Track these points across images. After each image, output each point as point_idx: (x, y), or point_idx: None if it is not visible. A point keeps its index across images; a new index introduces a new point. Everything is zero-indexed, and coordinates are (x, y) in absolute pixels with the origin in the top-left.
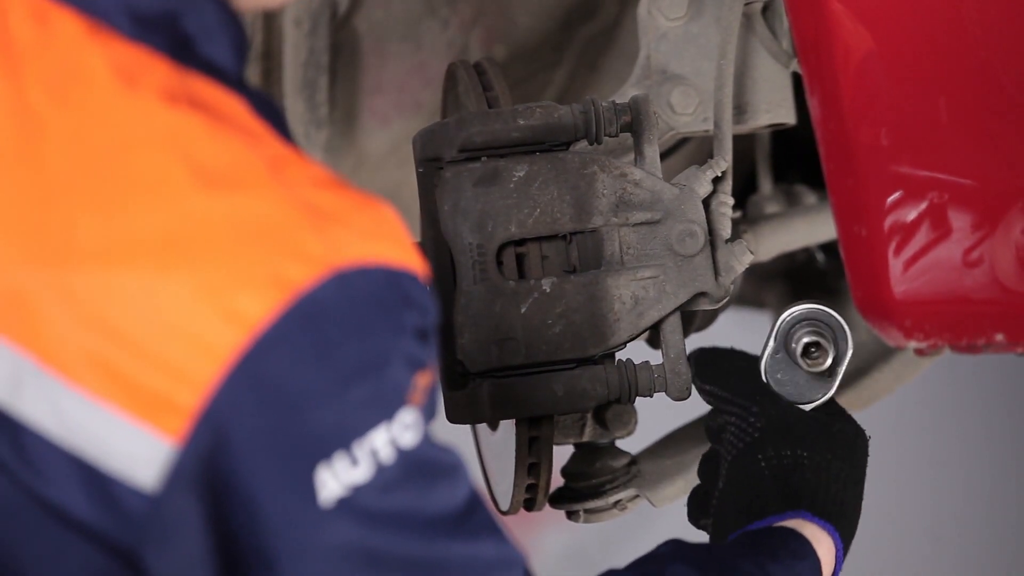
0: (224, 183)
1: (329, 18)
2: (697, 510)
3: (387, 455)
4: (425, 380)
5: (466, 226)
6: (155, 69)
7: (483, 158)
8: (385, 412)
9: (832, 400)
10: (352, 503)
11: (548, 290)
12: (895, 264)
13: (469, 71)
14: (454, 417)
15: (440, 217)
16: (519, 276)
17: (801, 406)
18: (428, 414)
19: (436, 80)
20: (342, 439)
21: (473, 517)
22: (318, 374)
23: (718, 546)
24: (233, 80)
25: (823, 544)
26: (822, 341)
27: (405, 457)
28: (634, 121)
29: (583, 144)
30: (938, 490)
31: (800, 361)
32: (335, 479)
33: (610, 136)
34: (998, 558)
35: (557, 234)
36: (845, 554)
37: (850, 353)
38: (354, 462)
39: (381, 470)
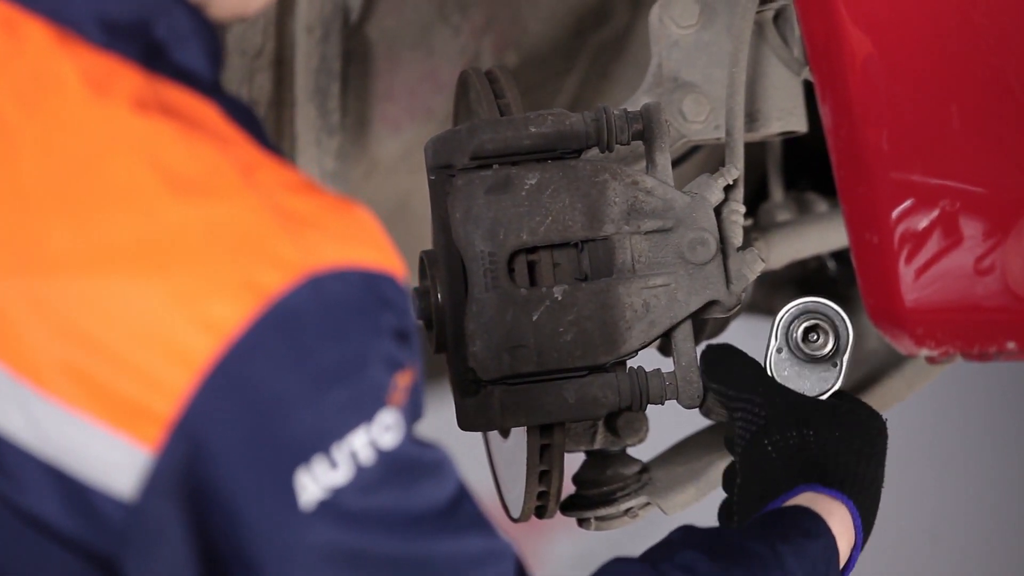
0: (196, 190)
1: (341, 25)
2: (727, 521)
3: (367, 456)
4: (406, 380)
5: (478, 233)
6: (126, 77)
7: (495, 165)
8: (364, 414)
9: (841, 390)
10: (333, 505)
11: (560, 298)
12: (907, 272)
13: (481, 78)
14: (465, 424)
15: (452, 224)
16: (531, 284)
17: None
18: (411, 413)
19: (448, 87)
20: (320, 442)
21: (459, 512)
22: (294, 379)
23: (729, 530)
24: (206, 86)
25: (836, 515)
26: (821, 323)
27: (385, 458)
28: (646, 129)
29: (594, 152)
30: (941, 492)
31: (803, 347)
32: (314, 482)
33: (622, 144)
34: (998, 559)
35: (569, 242)
36: (867, 525)
37: (851, 339)
38: (333, 465)
39: (361, 471)
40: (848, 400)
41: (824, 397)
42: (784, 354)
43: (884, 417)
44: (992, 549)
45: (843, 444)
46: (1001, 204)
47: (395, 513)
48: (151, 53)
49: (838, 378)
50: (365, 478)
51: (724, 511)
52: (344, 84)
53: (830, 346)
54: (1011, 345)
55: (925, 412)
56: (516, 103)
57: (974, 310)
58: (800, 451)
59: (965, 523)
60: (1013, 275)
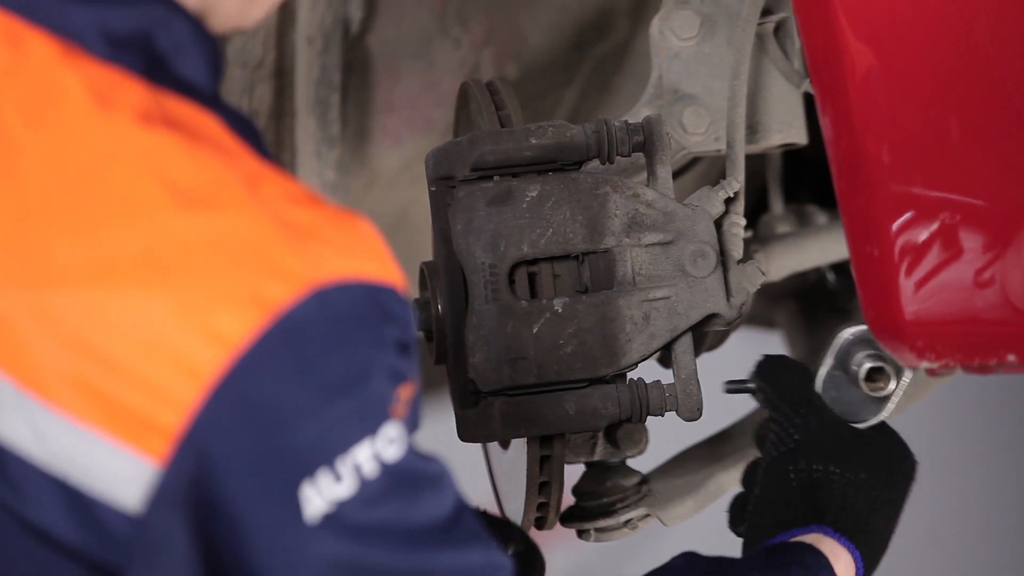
0: (201, 202)
1: (342, 37)
2: (737, 516)
3: (370, 469)
4: (408, 392)
5: (479, 245)
6: (130, 89)
7: (496, 177)
8: (368, 427)
9: (884, 423)
10: (337, 518)
11: (560, 310)
12: (907, 284)
13: (481, 90)
14: (466, 435)
15: (453, 236)
16: (531, 296)
17: (853, 425)
18: (412, 425)
19: (448, 99)
20: (325, 456)
21: (459, 525)
22: (300, 392)
23: (732, 559)
24: (208, 97)
25: (841, 561)
26: (886, 367)
27: (389, 471)
28: (646, 141)
29: (595, 164)
30: (941, 497)
31: (862, 384)
32: (319, 495)
33: (622, 156)
34: (997, 561)
35: (569, 254)
36: (868, 574)
37: (907, 378)
38: (338, 478)
39: (365, 485)
40: (887, 437)
41: (868, 424)
42: (837, 375)
43: (915, 459)
44: (990, 552)
45: (864, 490)
46: (1001, 216)
47: (398, 526)
48: (153, 65)
49: (885, 411)
50: (369, 491)
51: (737, 507)
52: (344, 96)
53: (892, 387)
54: (1011, 357)
55: (922, 418)
56: (517, 115)
57: (974, 322)
58: (821, 487)
59: (964, 527)
60: (1013, 287)
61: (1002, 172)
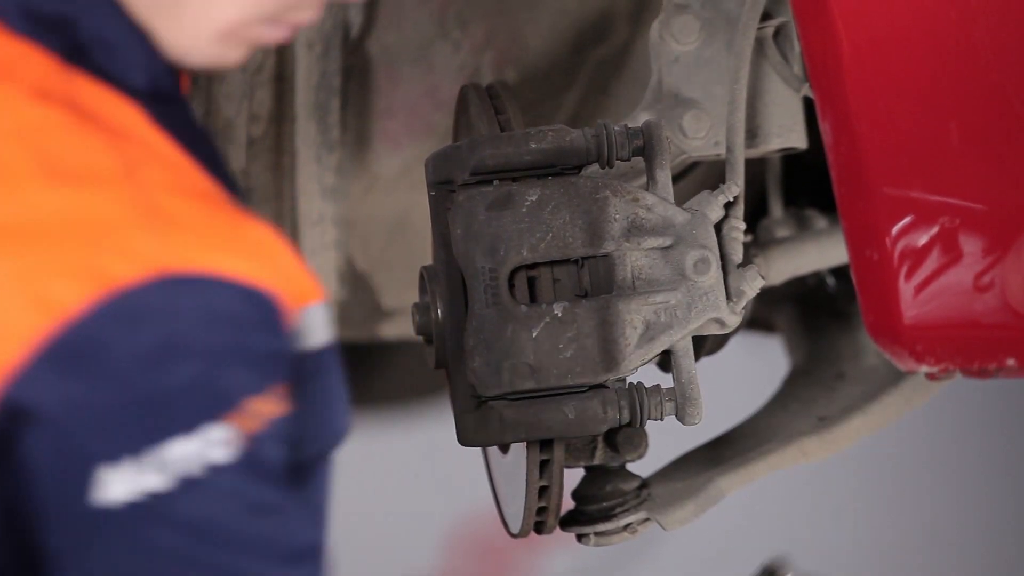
0: (70, 178)
1: (341, 41)
2: None
3: (189, 468)
4: (269, 408)
5: (478, 250)
6: (36, 65)
7: (495, 181)
8: (184, 424)
9: None
10: (147, 509)
11: (559, 314)
12: (906, 288)
13: (481, 94)
14: (465, 440)
15: (452, 240)
16: (531, 300)
17: None
18: (271, 443)
19: (448, 103)
20: (133, 444)
21: (296, 568)
22: (120, 374)
23: None
24: (139, 93)
25: None
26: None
27: (216, 475)
28: (646, 146)
29: (595, 168)
30: (940, 500)
31: None
32: (123, 482)
33: (622, 160)
34: (998, 561)
35: (569, 258)
36: None
37: None
38: (144, 468)
39: (183, 483)
40: None
41: None
42: None
43: None
44: (991, 552)
45: None
46: (1000, 221)
47: (217, 532)
48: (75, 50)
49: None
50: (187, 489)
51: None
52: (344, 100)
53: None
54: (1011, 362)
55: (919, 421)
56: (516, 119)
57: (973, 327)
58: None
59: (964, 528)
60: (1012, 292)
61: (1001, 176)
